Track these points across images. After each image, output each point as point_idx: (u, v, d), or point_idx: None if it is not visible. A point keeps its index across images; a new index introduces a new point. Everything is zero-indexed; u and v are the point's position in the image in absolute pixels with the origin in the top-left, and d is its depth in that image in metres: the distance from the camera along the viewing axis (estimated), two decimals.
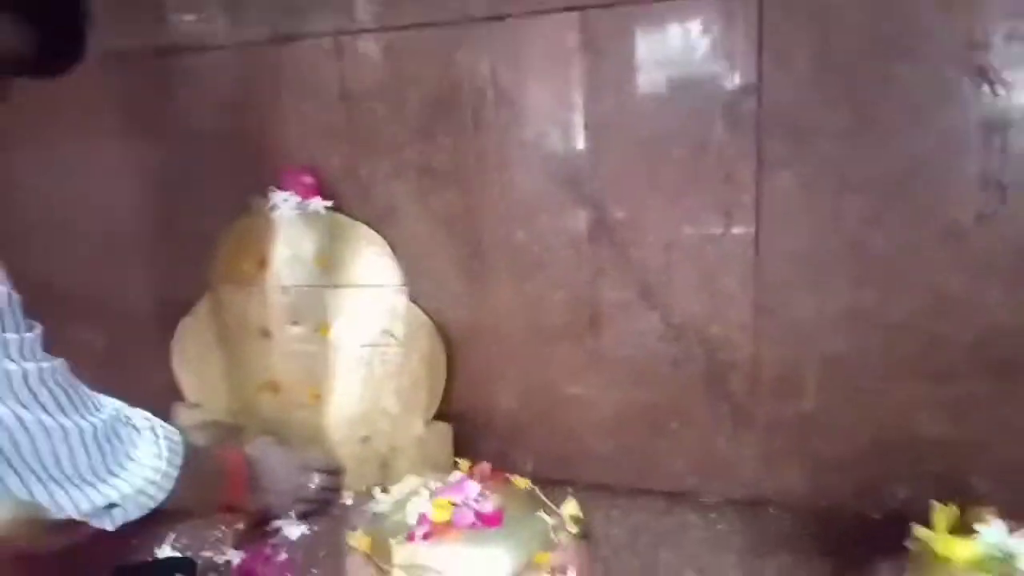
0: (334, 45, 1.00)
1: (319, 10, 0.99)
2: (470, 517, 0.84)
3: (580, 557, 0.85)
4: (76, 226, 1.19)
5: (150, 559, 0.92)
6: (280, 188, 1.05)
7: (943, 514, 0.73)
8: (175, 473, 0.75)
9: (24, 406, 0.63)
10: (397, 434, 1.05)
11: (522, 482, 0.94)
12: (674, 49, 0.85)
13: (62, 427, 0.65)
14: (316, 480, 1.01)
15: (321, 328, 1.06)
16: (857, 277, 0.84)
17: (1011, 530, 0.70)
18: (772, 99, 0.82)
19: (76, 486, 0.67)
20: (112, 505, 0.70)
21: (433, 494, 0.88)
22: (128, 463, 0.71)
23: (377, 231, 1.04)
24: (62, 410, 0.65)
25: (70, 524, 0.88)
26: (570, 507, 0.91)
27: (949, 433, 0.85)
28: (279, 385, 1.08)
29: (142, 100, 1.13)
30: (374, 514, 0.93)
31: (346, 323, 1.06)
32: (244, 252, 1.09)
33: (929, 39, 0.76)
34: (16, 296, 0.63)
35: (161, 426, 0.76)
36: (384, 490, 0.96)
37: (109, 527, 0.72)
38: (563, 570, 0.81)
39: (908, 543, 0.74)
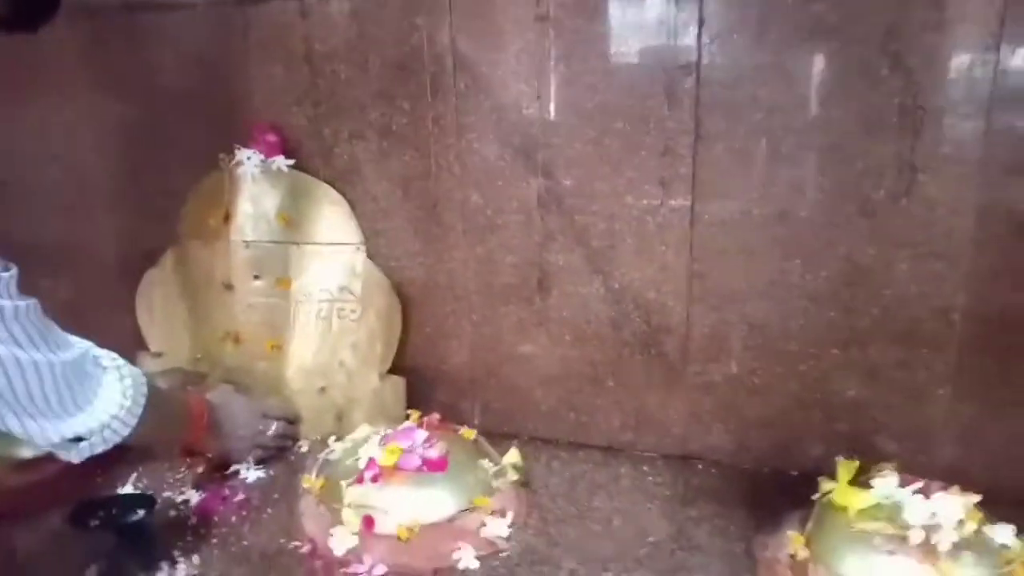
0: (300, 7, 1.02)
1: None
2: (417, 462, 0.89)
3: (518, 502, 0.91)
4: (44, 180, 1.20)
5: (112, 495, 0.95)
6: (245, 146, 1.07)
7: (845, 468, 0.80)
8: (139, 411, 0.78)
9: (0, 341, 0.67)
10: (353, 386, 1.09)
11: (469, 433, 0.99)
12: (624, 25, 0.89)
13: (35, 362, 0.69)
14: (274, 428, 1.05)
15: (282, 282, 1.10)
16: (783, 247, 0.89)
17: (903, 484, 0.77)
18: (710, 76, 0.86)
19: (46, 418, 0.71)
20: (79, 439, 0.74)
21: (383, 440, 0.93)
22: (95, 399, 0.75)
23: (338, 190, 1.07)
24: (35, 346, 0.69)
25: (35, 462, 0.93)
26: (512, 456, 0.97)
27: (859, 396, 0.91)
28: (240, 336, 1.12)
29: (110, 56, 1.15)
30: (327, 460, 0.98)
31: (306, 278, 1.10)
32: (209, 207, 1.12)
33: (854, 23, 0.80)
34: None
35: (127, 366, 0.80)
36: (339, 439, 1.01)
37: (76, 459, 0.76)
38: (502, 513, 0.87)
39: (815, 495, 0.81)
